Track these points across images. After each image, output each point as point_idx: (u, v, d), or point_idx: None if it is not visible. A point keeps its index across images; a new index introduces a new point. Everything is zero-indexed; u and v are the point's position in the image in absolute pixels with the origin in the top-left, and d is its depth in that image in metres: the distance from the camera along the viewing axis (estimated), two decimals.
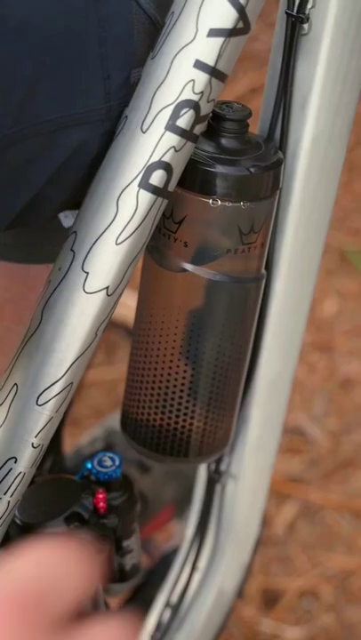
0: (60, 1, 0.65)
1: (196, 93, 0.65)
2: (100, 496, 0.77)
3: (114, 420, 1.21)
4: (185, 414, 0.77)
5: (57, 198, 0.70)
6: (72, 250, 0.68)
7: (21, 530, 0.77)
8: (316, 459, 1.53)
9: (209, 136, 0.72)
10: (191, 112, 0.66)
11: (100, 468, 0.79)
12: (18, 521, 0.76)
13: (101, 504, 0.77)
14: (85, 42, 0.65)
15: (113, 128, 0.68)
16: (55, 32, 0.64)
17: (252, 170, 0.72)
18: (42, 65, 0.64)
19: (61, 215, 0.78)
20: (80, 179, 0.69)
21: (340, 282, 1.65)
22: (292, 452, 1.51)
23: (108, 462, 0.80)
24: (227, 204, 0.72)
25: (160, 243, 0.73)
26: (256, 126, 0.76)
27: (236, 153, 0.72)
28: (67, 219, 0.78)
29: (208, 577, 0.96)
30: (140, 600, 1.08)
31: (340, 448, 1.54)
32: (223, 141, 0.72)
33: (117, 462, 0.79)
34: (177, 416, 0.77)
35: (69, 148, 0.67)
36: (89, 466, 0.80)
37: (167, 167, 0.66)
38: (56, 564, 0.39)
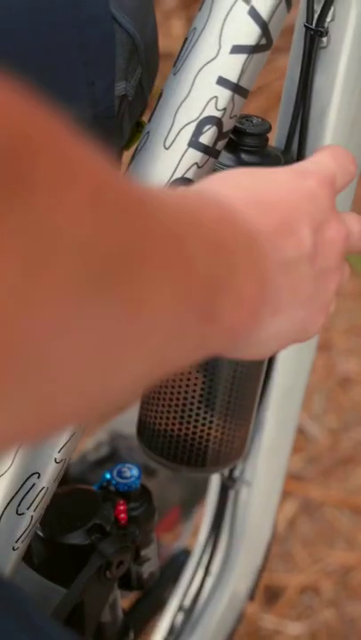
0: (37, 8, 0.64)
1: (218, 110, 0.65)
2: (122, 507, 0.77)
3: (117, 424, 1.20)
4: (202, 424, 0.77)
5: None
6: None
7: (43, 542, 0.76)
8: (315, 456, 1.53)
9: (229, 150, 0.71)
10: (214, 128, 0.65)
11: (119, 479, 0.79)
12: (40, 533, 0.76)
13: (122, 515, 0.77)
14: (67, 47, 0.65)
15: (103, 134, 0.67)
16: (35, 39, 0.64)
17: None
18: (26, 72, 0.63)
19: None
20: None
21: None
22: (292, 449, 1.51)
23: (128, 473, 0.79)
24: None
25: None
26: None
27: (256, 166, 0.71)
28: None
29: (221, 581, 0.95)
30: (150, 599, 1.08)
31: (339, 445, 1.54)
32: (243, 156, 0.71)
33: (137, 473, 0.79)
34: (194, 426, 0.77)
35: None
36: (108, 476, 0.79)
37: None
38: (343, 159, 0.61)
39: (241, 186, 0.55)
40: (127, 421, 1.19)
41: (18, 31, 0.63)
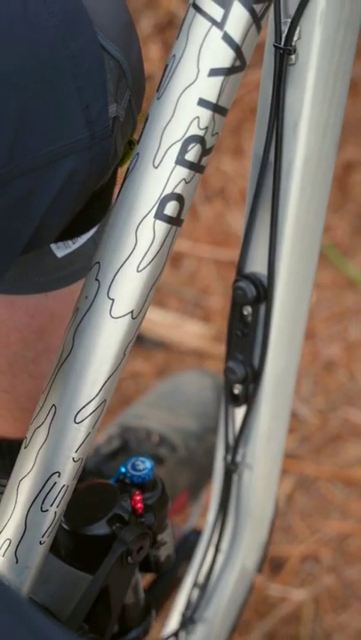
0: (29, 42, 0.63)
1: (201, 129, 0.65)
2: (138, 497, 0.77)
3: (125, 417, 1.20)
4: None
5: (56, 225, 0.69)
6: (97, 279, 0.68)
7: (68, 534, 0.76)
8: (307, 435, 1.53)
9: None
10: (198, 146, 0.65)
11: (134, 472, 0.79)
12: (65, 526, 0.76)
13: (139, 505, 0.77)
14: (60, 77, 0.64)
15: (98, 154, 0.67)
16: (30, 71, 0.63)
17: None
18: (24, 103, 0.63)
19: (54, 246, 0.77)
20: (75, 204, 0.69)
21: (317, 274, 1.65)
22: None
23: (141, 466, 0.79)
24: None
25: None
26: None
27: None
28: (59, 249, 0.77)
29: (231, 557, 0.95)
30: (167, 578, 1.08)
31: (328, 424, 1.54)
32: None
33: (149, 465, 0.79)
34: None
35: (61, 178, 0.66)
36: (123, 470, 0.79)
37: (179, 198, 0.66)
38: None
39: None
40: (135, 415, 1.19)
41: (15, 65, 0.63)
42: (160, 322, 1.58)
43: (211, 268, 1.65)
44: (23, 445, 0.71)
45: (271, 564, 1.44)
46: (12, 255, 0.67)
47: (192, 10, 0.64)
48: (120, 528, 0.75)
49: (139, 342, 1.59)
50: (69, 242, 0.78)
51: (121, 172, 0.73)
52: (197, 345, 1.58)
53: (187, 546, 1.08)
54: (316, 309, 1.63)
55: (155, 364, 1.58)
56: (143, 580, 1.10)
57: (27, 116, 0.63)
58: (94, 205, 0.71)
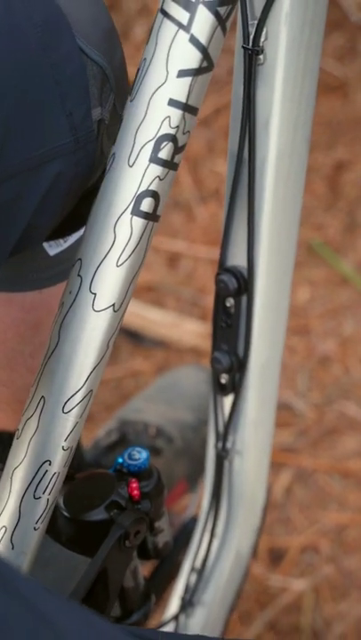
0: (13, 53, 0.65)
1: (172, 127, 0.66)
2: (134, 485, 0.78)
3: (124, 412, 1.21)
4: None
5: (45, 225, 0.71)
6: (79, 275, 0.69)
7: (69, 521, 0.78)
8: (304, 429, 1.54)
9: None
10: (170, 144, 0.67)
11: (130, 461, 0.81)
12: (65, 513, 0.77)
13: (135, 492, 0.78)
14: (43, 86, 0.66)
15: (83, 157, 0.69)
16: (14, 81, 0.65)
17: None
18: (9, 111, 0.65)
19: (46, 245, 0.79)
20: (63, 205, 0.70)
21: (310, 271, 1.66)
22: (282, 425, 1.52)
23: (137, 455, 0.81)
24: None
25: None
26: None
27: None
28: (51, 248, 0.79)
29: (225, 541, 0.97)
30: (166, 565, 1.09)
31: (324, 418, 1.55)
32: None
33: (145, 455, 0.81)
34: None
35: (48, 180, 0.67)
36: (120, 460, 0.81)
37: (154, 195, 0.68)
38: None
39: None
40: (133, 409, 1.21)
41: (0, 76, 0.64)
42: (159, 321, 1.60)
43: (207, 268, 1.67)
44: (15, 436, 0.73)
45: (271, 555, 1.45)
46: (3, 254, 0.69)
47: (160, 14, 0.66)
48: (118, 514, 0.77)
49: (138, 341, 1.60)
50: (61, 240, 0.80)
51: None
52: (195, 343, 1.59)
53: (186, 534, 1.10)
54: (311, 306, 1.64)
55: (154, 362, 1.60)
56: (144, 568, 1.11)
57: (12, 123, 0.65)
58: (84, 205, 0.73)
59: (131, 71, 0.72)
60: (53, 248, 0.79)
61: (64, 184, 0.68)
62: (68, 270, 0.81)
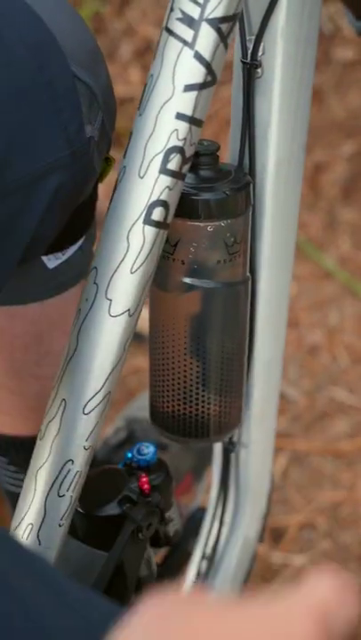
0: (9, 74, 0.64)
1: (180, 140, 0.65)
2: (144, 479, 0.77)
3: (130, 410, 1.20)
4: (202, 402, 0.78)
5: (47, 238, 0.70)
6: (95, 283, 0.68)
7: (84, 517, 0.77)
8: (297, 415, 1.54)
9: (190, 170, 0.71)
10: (178, 156, 0.66)
11: (139, 456, 0.79)
12: (80, 510, 0.76)
13: (145, 486, 0.77)
14: (40, 102, 0.65)
15: (79, 170, 0.68)
16: (13, 100, 0.64)
17: (227, 193, 0.72)
18: (11, 126, 0.64)
19: (45, 259, 0.78)
20: (62, 217, 0.69)
21: (296, 267, 1.64)
22: (277, 412, 1.52)
23: (146, 450, 0.80)
24: (211, 224, 0.72)
25: (162, 263, 0.73)
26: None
27: (212, 181, 0.72)
28: (50, 261, 0.78)
29: (234, 528, 0.96)
30: (178, 552, 1.08)
31: (315, 404, 1.55)
32: (201, 173, 0.72)
33: (153, 449, 0.80)
34: (196, 405, 0.78)
35: (49, 192, 0.66)
36: (129, 455, 0.80)
37: (165, 204, 0.66)
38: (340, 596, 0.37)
39: None
40: (138, 407, 1.19)
41: None
42: None
43: None
44: (38, 438, 0.72)
45: (272, 534, 1.44)
46: (10, 268, 0.68)
47: (165, 33, 0.64)
48: (130, 508, 0.76)
49: (139, 340, 1.59)
50: (59, 254, 0.79)
51: (101, 186, 0.74)
52: None
53: (194, 523, 1.09)
54: (298, 300, 1.64)
55: None
56: (156, 556, 1.10)
57: (13, 138, 0.64)
58: (79, 219, 0.72)
59: (118, 90, 0.71)
60: (52, 261, 0.78)
61: (64, 196, 0.68)
62: (69, 281, 0.81)
